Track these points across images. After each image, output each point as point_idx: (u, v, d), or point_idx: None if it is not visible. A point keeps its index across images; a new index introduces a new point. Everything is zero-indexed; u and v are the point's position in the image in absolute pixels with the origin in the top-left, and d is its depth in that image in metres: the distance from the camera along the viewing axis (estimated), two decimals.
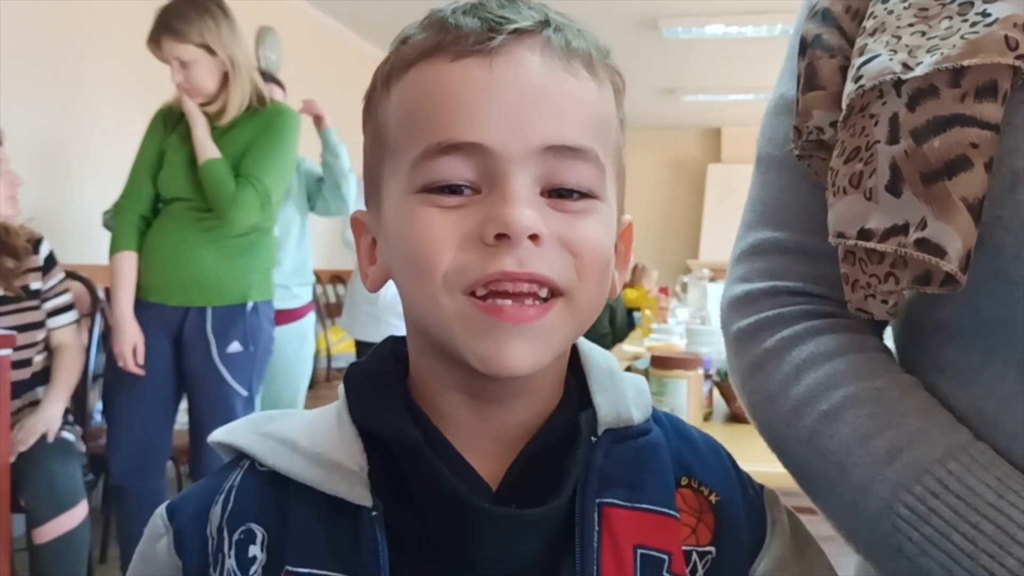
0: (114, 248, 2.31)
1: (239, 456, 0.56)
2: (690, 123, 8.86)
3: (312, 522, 0.51)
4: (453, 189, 0.49)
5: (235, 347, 2.34)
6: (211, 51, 2.26)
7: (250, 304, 2.36)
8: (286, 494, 0.52)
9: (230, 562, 0.52)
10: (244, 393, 2.35)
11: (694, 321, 3.39)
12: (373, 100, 0.55)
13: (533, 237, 0.47)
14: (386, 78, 0.54)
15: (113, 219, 2.39)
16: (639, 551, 0.52)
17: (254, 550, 0.52)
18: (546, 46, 0.50)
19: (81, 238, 3.09)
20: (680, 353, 2.10)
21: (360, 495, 0.51)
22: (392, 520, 0.50)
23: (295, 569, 0.50)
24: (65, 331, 2.45)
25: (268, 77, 2.87)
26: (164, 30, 2.24)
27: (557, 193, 0.50)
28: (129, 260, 2.29)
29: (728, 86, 7.06)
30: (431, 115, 0.49)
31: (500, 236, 0.47)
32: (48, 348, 2.43)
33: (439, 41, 0.50)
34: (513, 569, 0.50)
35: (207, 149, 2.25)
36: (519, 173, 0.48)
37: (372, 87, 0.55)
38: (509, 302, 0.48)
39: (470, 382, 0.51)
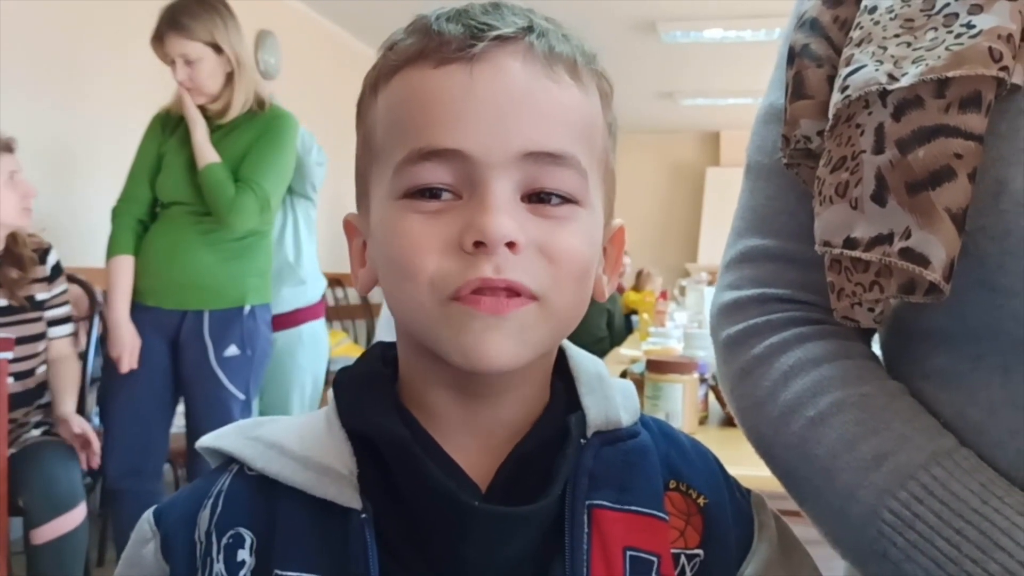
0: (110, 252, 2.31)
1: (227, 461, 0.57)
2: (688, 127, 8.86)
3: (301, 525, 0.52)
4: (433, 193, 0.50)
5: (232, 351, 2.33)
6: (218, 49, 2.26)
7: (247, 308, 2.36)
8: (275, 497, 0.53)
9: (218, 566, 0.52)
10: (241, 397, 2.35)
11: (692, 325, 3.39)
12: (363, 106, 0.56)
13: (510, 245, 0.48)
14: (374, 84, 0.55)
15: (112, 218, 2.38)
16: (628, 553, 0.52)
17: (243, 554, 0.52)
18: (528, 52, 0.51)
19: (83, 241, 3.09)
20: (676, 357, 2.11)
21: (350, 498, 0.51)
22: (382, 522, 0.51)
23: (283, 572, 0.50)
24: (62, 342, 2.44)
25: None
26: (171, 27, 2.23)
27: (538, 198, 0.51)
28: (125, 264, 2.29)
29: (727, 90, 7.06)
30: (413, 121, 0.50)
31: (478, 244, 0.48)
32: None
33: (423, 47, 0.51)
34: (503, 570, 0.51)
35: (207, 153, 2.25)
36: (499, 179, 0.49)
37: (362, 93, 0.56)
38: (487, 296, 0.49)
39: (456, 379, 0.52)
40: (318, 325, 3.03)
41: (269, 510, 0.53)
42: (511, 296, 0.49)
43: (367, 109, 0.55)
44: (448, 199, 0.50)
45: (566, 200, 0.51)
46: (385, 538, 0.51)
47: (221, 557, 0.52)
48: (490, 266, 0.48)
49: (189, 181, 2.28)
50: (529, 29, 0.52)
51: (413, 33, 0.53)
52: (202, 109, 2.31)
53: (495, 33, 0.50)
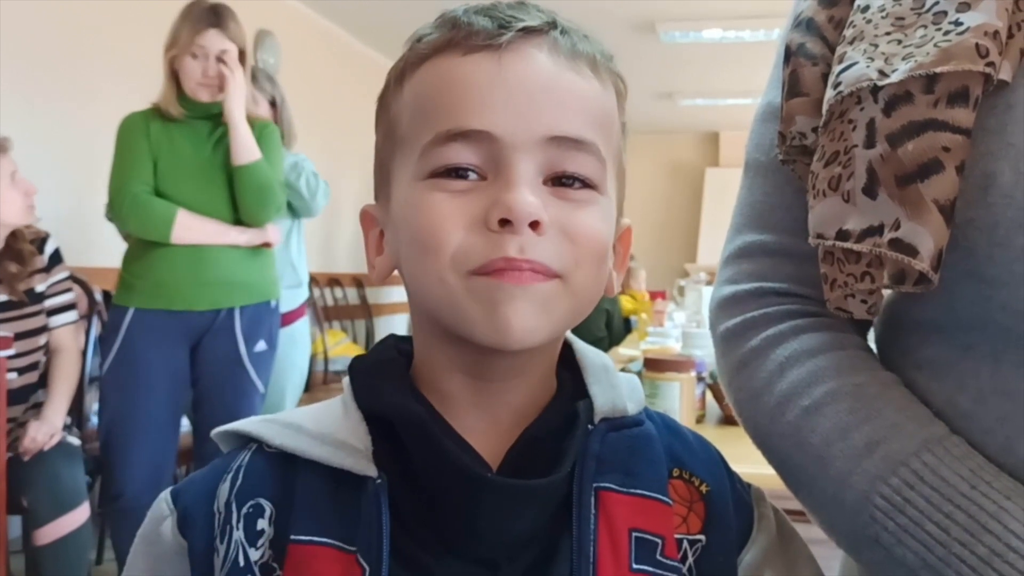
0: (169, 214, 2.21)
1: (244, 442, 0.58)
2: (688, 127, 8.86)
3: (318, 494, 0.53)
4: (460, 173, 0.52)
5: (261, 346, 2.36)
6: (243, 57, 2.32)
7: (273, 303, 2.41)
8: (294, 471, 0.54)
9: (238, 534, 0.53)
10: (262, 391, 2.39)
11: (690, 324, 3.40)
12: (386, 98, 0.58)
13: (534, 225, 0.50)
14: (399, 75, 0.57)
15: (128, 204, 2.23)
16: (634, 534, 0.54)
17: (262, 524, 0.54)
18: (553, 46, 0.53)
19: (82, 241, 3.10)
20: (673, 355, 2.11)
21: (365, 467, 0.53)
22: (395, 496, 0.52)
23: (298, 537, 0.52)
24: (63, 331, 2.42)
25: (265, 76, 2.92)
26: (213, 23, 2.26)
27: (559, 182, 0.53)
28: (190, 213, 2.24)
29: (726, 90, 7.07)
30: (441, 105, 0.52)
31: (504, 222, 0.50)
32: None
33: (451, 37, 0.53)
34: (512, 546, 0.52)
35: (255, 149, 2.28)
36: (523, 161, 0.51)
37: (385, 86, 0.58)
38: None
39: (472, 361, 0.54)
40: (303, 323, 3.11)
41: (287, 483, 0.54)
42: (534, 274, 0.51)
43: (391, 100, 0.57)
44: (474, 180, 0.52)
45: (586, 185, 0.53)
46: (397, 511, 0.52)
47: (241, 525, 0.54)
48: (514, 246, 0.50)
49: (214, 181, 2.28)
50: (553, 24, 0.54)
51: (441, 26, 0.55)
52: (211, 107, 2.30)
53: (523, 25, 0.53)
